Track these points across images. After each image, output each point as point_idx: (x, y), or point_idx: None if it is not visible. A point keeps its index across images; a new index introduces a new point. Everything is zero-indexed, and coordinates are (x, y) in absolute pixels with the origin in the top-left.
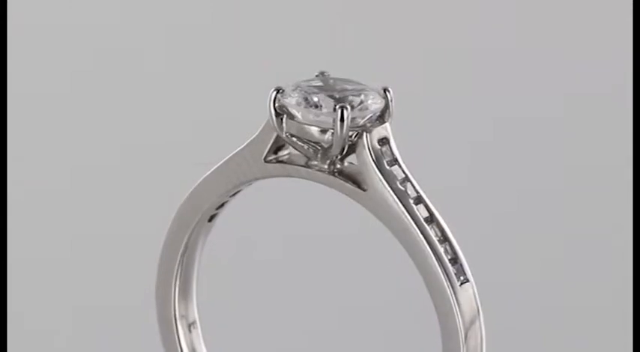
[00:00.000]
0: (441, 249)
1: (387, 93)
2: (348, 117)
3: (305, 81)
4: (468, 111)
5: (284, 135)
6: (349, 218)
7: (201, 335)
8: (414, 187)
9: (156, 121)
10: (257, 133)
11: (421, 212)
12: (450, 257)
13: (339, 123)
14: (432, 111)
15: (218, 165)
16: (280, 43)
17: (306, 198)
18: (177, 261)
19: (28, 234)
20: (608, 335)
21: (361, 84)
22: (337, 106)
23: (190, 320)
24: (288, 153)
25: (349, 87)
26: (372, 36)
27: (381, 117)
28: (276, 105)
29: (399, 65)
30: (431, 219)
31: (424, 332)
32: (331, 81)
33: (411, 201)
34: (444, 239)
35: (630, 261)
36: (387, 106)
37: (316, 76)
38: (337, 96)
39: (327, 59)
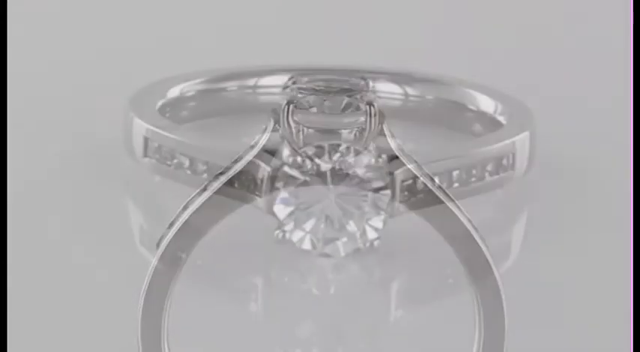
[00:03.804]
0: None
1: (368, 83)
2: (376, 114)
3: (296, 88)
4: None
5: (301, 146)
6: None
7: None
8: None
9: None
10: (252, 152)
11: None
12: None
13: (369, 119)
14: None
15: (213, 197)
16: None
17: None
18: (165, 303)
19: None
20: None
21: (345, 79)
22: (365, 103)
23: None
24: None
25: (351, 84)
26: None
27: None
28: (293, 118)
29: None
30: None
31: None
32: (321, 82)
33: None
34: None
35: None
36: None
37: (289, 83)
38: (347, 96)
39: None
